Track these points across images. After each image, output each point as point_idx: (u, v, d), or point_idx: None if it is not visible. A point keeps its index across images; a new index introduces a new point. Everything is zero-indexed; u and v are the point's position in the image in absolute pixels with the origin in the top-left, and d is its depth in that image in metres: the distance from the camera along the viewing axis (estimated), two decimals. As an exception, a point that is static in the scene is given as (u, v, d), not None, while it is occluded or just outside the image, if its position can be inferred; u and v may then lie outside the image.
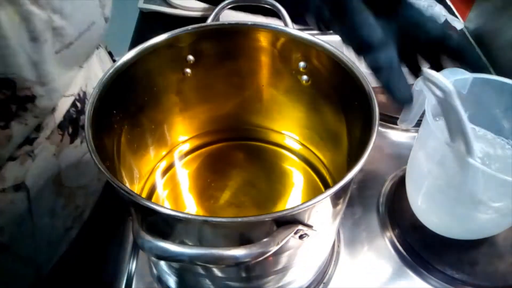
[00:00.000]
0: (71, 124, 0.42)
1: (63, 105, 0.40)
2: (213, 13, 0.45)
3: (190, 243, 0.30)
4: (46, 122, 0.38)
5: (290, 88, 0.45)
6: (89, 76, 0.46)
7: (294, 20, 0.42)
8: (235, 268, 0.32)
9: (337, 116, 0.41)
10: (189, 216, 0.26)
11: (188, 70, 0.43)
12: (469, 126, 0.35)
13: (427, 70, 0.33)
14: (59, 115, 0.40)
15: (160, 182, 0.46)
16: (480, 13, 0.71)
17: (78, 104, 0.42)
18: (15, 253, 0.39)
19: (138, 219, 0.27)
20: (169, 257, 0.25)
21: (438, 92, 0.33)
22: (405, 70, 0.35)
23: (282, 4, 0.42)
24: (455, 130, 0.36)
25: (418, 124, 0.44)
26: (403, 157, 0.52)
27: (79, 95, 0.43)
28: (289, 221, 0.28)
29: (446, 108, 0.34)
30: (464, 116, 0.34)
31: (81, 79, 0.43)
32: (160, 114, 0.44)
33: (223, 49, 0.43)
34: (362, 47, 0.33)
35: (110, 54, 0.59)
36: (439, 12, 0.74)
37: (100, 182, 0.49)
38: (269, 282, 0.35)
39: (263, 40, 0.42)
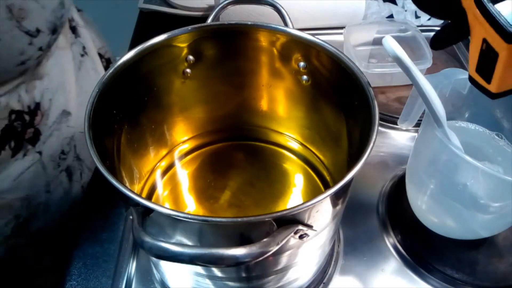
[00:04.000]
0: (14, 138, 0.42)
1: None
2: (213, 13, 0.45)
3: (190, 243, 0.30)
4: None
5: (290, 88, 0.45)
6: (49, 86, 0.45)
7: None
8: (235, 268, 0.32)
9: (337, 116, 0.41)
10: (189, 216, 0.26)
11: (188, 70, 0.43)
12: (434, 96, 0.35)
13: (385, 37, 0.33)
14: None
15: (160, 182, 0.46)
16: (480, 13, 0.71)
17: (27, 117, 0.42)
18: None
19: (138, 219, 0.27)
20: (169, 257, 0.25)
21: (390, 59, 0.33)
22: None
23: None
24: (427, 107, 0.36)
25: (418, 124, 0.44)
26: (403, 157, 0.52)
27: (29, 107, 0.43)
28: (289, 221, 0.28)
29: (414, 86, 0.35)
30: (422, 82, 0.34)
31: (31, 92, 0.43)
32: (160, 114, 0.44)
33: (223, 49, 0.43)
34: None
35: (107, 60, 0.59)
36: (439, 12, 0.74)
37: (52, 194, 0.49)
38: (269, 282, 0.35)
39: (263, 40, 0.41)
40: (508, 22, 0.29)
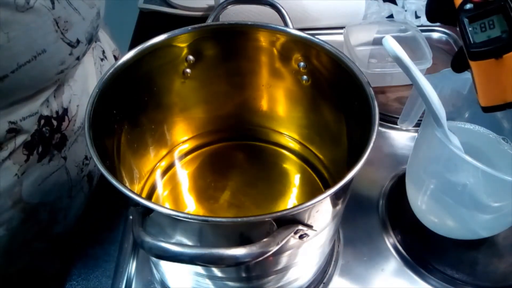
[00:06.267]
0: (42, 143, 0.42)
1: (25, 127, 0.40)
2: (213, 13, 0.45)
3: (190, 243, 0.30)
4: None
5: (290, 88, 0.45)
6: (76, 92, 0.46)
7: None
8: (235, 268, 0.32)
9: (337, 116, 0.41)
10: (189, 216, 0.26)
11: (188, 70, 0.43)
12: (434, 96, 0.35)
13: (385, 36, 0.33)
14: (21, 137, 0.40)
15: (160, 182, 0.46)
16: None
17: (54, 122, 0.43)
18: None
19: (138, 219, 0.27)
20: (169, 257, 0.25)
21: (391, 59, 0.34)
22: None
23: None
24: (427, 107, 0.36)
25: (418, 124, 0.44)
26: (403, 157, 0.52)
27: (57, 113, 0.43)
28: (289, 221, 0.28)
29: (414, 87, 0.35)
30: (422, 82, 0.35)
31: (59, 98, 0.43)
32: (160, 114, 0.44)
33: (223, 49, 0.43)
34: None
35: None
36: (439, 12, 0.74)
37: (73, 199, 0.49)
38: (269, 282, 0.35)
39: (263, 40, 0.41)
40: (473, 41, 0.30)
